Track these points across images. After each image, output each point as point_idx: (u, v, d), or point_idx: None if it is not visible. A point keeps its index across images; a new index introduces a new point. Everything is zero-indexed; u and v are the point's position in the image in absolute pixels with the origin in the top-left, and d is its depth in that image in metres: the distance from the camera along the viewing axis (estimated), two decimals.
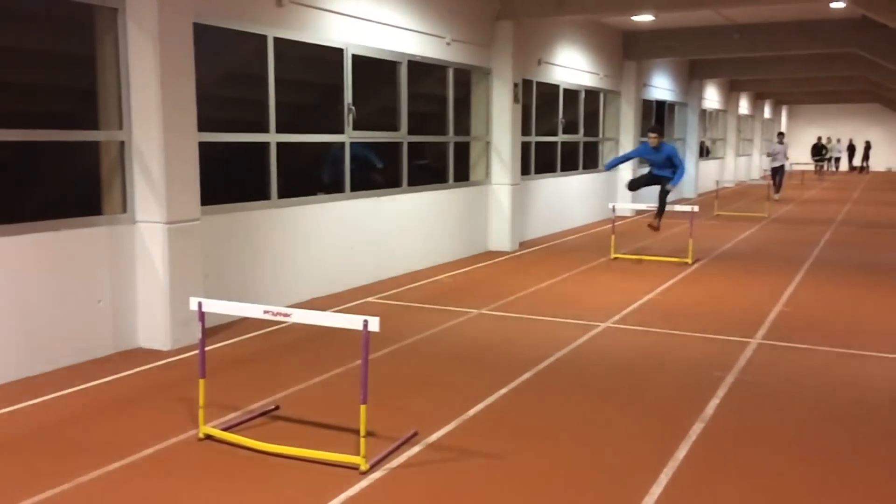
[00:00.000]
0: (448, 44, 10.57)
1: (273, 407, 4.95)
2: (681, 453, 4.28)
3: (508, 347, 6.44)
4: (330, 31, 8.47)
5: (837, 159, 38.98)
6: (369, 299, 8.35)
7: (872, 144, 39.18)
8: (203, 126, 6.71)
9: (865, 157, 38.70)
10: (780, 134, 21.81)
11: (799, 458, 4.26)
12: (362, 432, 3.98)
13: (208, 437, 4.44)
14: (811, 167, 33.57)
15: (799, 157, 37.08)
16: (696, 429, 4.64)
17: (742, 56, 18.87)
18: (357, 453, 4.09)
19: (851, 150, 39.54)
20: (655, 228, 10.82)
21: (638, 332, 7.01)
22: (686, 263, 10.59)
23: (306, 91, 10.02)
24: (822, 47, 16.11)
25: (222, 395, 5.14)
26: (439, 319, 7.41)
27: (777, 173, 21.10)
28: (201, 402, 4.43)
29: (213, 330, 6.86)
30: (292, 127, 8.10)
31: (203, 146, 6.74)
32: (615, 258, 11.02)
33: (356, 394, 4.66)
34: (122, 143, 6.29)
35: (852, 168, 39.15)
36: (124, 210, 6.34)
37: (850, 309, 7.98)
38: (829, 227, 15.01)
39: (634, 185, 10.83)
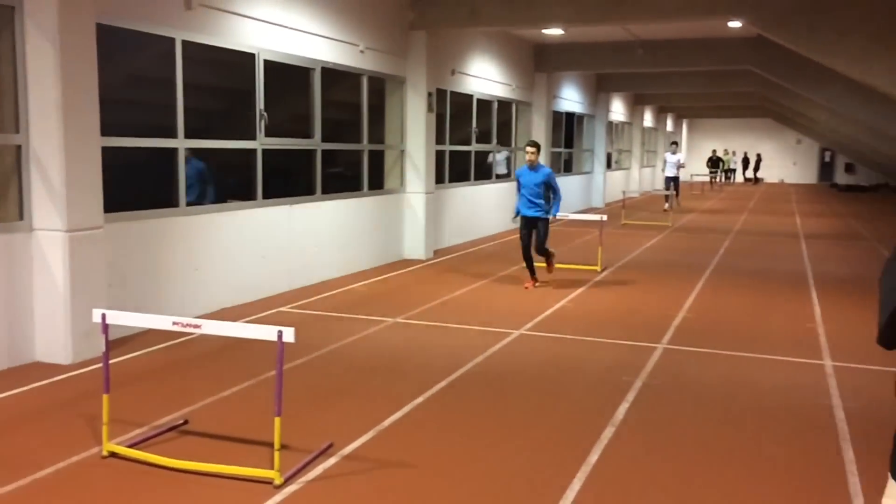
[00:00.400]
0: (362, 52, 10.52)
1: (182, 421, 4.78)
2: (593, 457, 4.36)
3: (424, 356, 6.43)
4: (241, 35, 8.29)
5: (733, 171, 40.74)
6: (282, 309, 8.19)
7: (765, 157, 41.21)
8: (108, 130, 6.44)
9: (756, 168, 40.67)
10: (674, 143, 21.64)
11: (703, 458, 4.40)
12: (276, 445, 3.89)
13: (112, 454, 4.24)
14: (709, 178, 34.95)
15: (699, 168, 38.65)
16: (608, 433, 4.74)
17: (646, 71, 19.50)
18: (271, 467, 3.99)
19: (746, 162, 41.45)
20: (532, 284, 9.49)
21: (550, 338, 7.08)
22: (596, 271, 10.83)
23: (217, 96, 9.76)
24: (720, 64, 16.83)
25: (128, 411, 4.93)
26: (354, 329, 7.33)
27: (671, 183, 20.75)
28: (105, 417, 4.23)
29: (118, 342, 6.58)
30: (202, 133, 7.88)
31: (108, 151, 6.47)
32: None
33: (269, 406, 4.55)
34: (19, 147, 5.98)
35: (747, 180, 41.04)
36: (21, 217, 6.02)
37: (747, 314, 8.31)
38: (728, 236, 15.66)
39: (524, 241, 9.36)
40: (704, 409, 5.25)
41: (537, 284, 9.51)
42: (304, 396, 5.31)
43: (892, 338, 1.65)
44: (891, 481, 1.67)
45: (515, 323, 7.62)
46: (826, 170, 40.61)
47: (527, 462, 4.28)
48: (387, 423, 4.82)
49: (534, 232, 9.34)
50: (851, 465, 4.33)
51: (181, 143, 7.50)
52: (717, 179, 36.24)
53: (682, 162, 20.91)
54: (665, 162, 20.86)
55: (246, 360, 6.11)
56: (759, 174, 40.82)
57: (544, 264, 9.78)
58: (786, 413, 5.19)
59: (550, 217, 9.29)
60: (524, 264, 9.59)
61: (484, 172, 15.48)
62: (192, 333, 6.23)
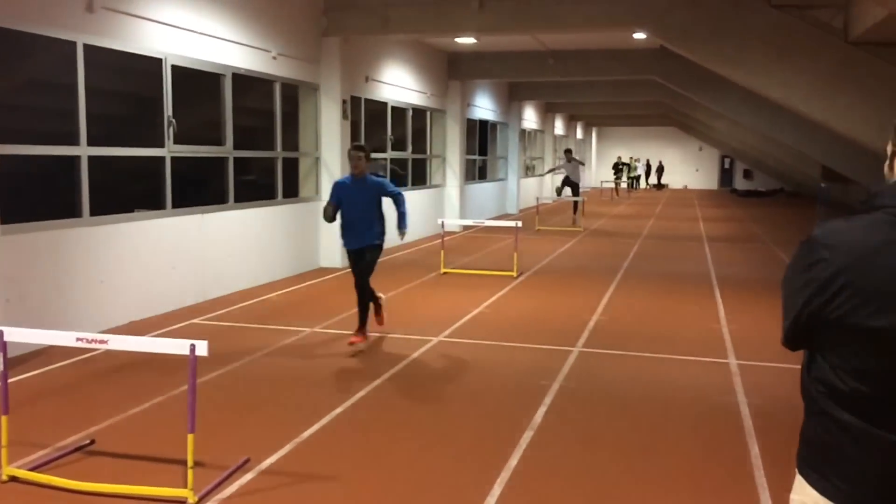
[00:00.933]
0: (274, 58, 10.32)
1: (88, 441, 4.56)
2: (513, 462, 4.38)
3: (341, 366, 6.34)
4: (147, 40, 8.02)
5: (638, 178, 42.13)
6: (195, 321, 7.94)
7: (670, 164, 42.73)
8: (3, 137, 6.15)
9: (659, 175, 42.16)
10: (568, 151, 20.38)
11: (618, 457, 4.48)
12: (190, 463, 3.75)
13: (13, 478, 4.01)
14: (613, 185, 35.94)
15: (609, 175, 39.72)
16: (527, 437, 4.77)
17: (556, 80, 19.73)
18: (184, 486, 3.84)
19: (649, 169, 42.89)
20: (360, 340, 6.85)
21: (469, 344, 7.08)
22: (512, 277, 10.94)
23: (123, 102, 9.42)
24: (625, 74, 17.23)
25: (29, 432, 4.67)
26: (269, 340, 7.17)
27: (567, 189, 19.02)
28: (3, 440, 3.99)
29: (18, 360, 6.22)
30: (107, 140, 7.57)
31: (3, 159, 6.15)
32: (445, 273, 11.19)
33: (182, 422, 4.38)
34: None
35: (653, 186, 42.48)
36: None
37: (657, 316, 8.53)
38: (637, 241, 16.06)
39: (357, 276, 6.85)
40: (618, 409, 5.36)
41: (366, 340, 6.92)
42: (219, 411, 5.14)
43: (796, 341, 1.72)
44: (798, 477, 1.73)
45: (434, 330, 7.61)
46: (726, 176, 42.30)
47: (448, 469, 4.27)
48: (305, 435, 4.72)
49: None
50: (757, 459, 4.50)
51: (84, 151, 7.19)
52: (628, 185, 37.16)
53: (580, 173, 19.73)
54: (557, 170, 19.29)
55: (156, 376, 5.89)
56: (663, 180, 42.22)
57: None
58: (694, 411, 5.35)
59: (399, 234, 6.98)
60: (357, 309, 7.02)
61: (402, 180, 15.45)
62: (97, 349, 5.97)
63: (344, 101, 11.67)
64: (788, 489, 1.78)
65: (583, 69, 17.12)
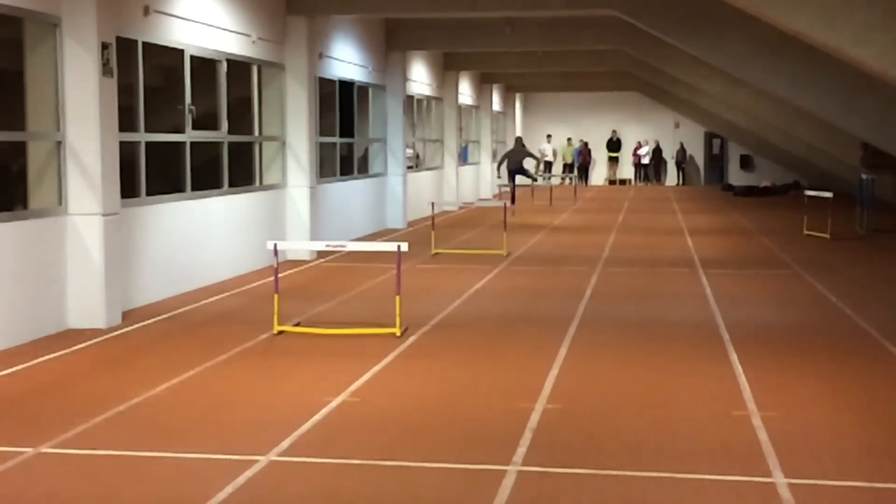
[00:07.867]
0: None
1: None
2: None
3: None
4: None
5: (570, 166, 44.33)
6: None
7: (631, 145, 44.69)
8: None
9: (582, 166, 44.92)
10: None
11: None
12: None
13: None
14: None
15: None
16: None
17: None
18: None
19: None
20: None
21: (325, 467, 6.82)
22: (394, 337, 10.65)
23: None
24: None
25: None
26: None
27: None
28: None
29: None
30: None
31: None
32: (281, 332, 10.71)
33: None
34: None
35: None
36: None
37: (642, 399, 8.42)
38: (594, 269, 16.17)
39: None
40: None
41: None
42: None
43: None
44: None
45: (261, 441, 7.17)
46: (715, 165, 43.64)
47: None
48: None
49: None
50: None
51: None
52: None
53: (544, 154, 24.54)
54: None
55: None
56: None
57: None
58: None
59: None
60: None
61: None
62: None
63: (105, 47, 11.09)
64: None
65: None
